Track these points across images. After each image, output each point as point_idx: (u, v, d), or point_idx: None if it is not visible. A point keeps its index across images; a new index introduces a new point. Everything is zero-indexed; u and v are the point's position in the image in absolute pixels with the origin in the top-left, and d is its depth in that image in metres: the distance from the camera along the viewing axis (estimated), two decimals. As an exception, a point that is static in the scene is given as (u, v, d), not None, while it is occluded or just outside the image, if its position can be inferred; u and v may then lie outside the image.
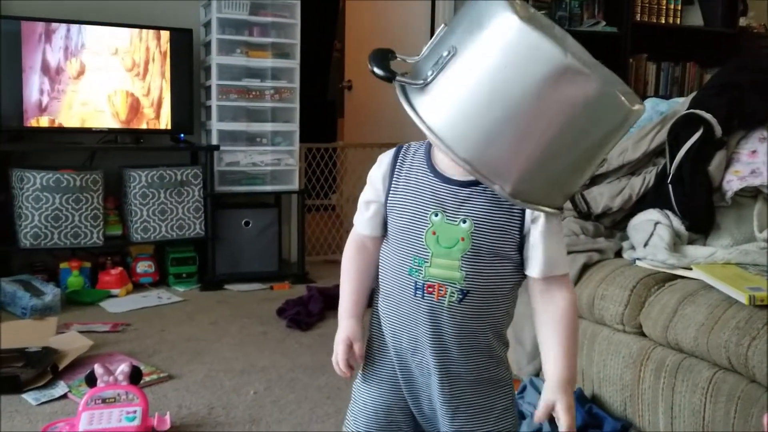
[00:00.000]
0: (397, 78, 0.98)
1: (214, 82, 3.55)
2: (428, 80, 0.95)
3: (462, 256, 1.05)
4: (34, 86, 3.27)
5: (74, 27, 3.33)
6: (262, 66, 3.65)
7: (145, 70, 3.50)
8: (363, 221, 1.15)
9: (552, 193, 1.01)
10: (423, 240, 1.07)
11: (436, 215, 1.06)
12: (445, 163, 1.07)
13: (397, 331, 1.13)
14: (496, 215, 1.05)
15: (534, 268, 1.07)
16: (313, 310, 3.02)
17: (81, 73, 3.36)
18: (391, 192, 1.12)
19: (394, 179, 1.12)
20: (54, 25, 3.29)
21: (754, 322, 1.47)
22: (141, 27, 3.48)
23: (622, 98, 0.93)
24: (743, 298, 1.50)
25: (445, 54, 0.94)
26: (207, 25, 3.63)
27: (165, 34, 3.52)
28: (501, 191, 0.96)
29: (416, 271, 1.08)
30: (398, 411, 1.19)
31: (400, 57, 1.04)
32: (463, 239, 1.05)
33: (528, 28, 0.89)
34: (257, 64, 3.64)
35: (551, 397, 1.07)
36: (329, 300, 3.15)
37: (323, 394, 2.20)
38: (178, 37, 3.55)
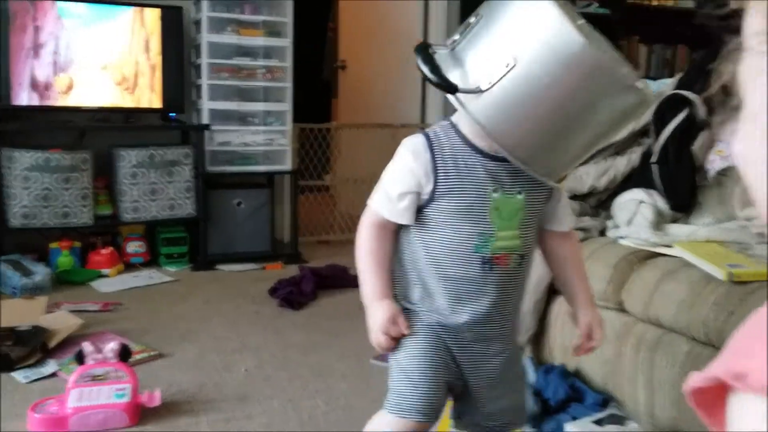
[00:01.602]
0: (459, 91, 1.05)
1: (204, 60, 3.54)
2: (486, 89, 1.03)
3: (519, 225, 1.18)
4: (23, 64, 3.26)
5: (62, 3, 3.32)
6: (253, 44, 3.64)
7: (136, 48, 3.49)
8: (398, 211, 1.18)
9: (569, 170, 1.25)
10: (488, 217, 1.15)
11: (496, 192, 1.15)
12: (488, 143, 1.13)
13: (459, 309, 1.20)
14: (536, 184, 1.17)
15: (565, 223, 1.27)
16: (306, 290, 3.04)
17: (69, 51, 3.35)
18: (440, 180, 1.16)
19: (440, 167, 1.16)
20: (42, 2, 3.27)
21: (731, 298, 1.50)
22: (131, 4, 3.46)
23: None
24: (722, 275, 1.52)
25: (505, 65, 1.02)
26: (197, 2, 3.61)
27: (155, 12, 3.50)
28: (547, 181, 1.14)
29: (483, 247, 1.16)
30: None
31: (434, 48, 1.10)
32: (520, 209, 1.17)
33: (592, 50, 1.01)
34: (249, 42, 3.62)
35: (589, 315, 1.26)
36: (322, 280, 3.17)
37: (314, 371, 2.22)
38: (168, 15, 3.53)
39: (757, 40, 0.45)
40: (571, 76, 1.01)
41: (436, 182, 1.15)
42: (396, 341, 1.21)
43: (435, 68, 1.05)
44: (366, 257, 1.21)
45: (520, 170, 1.12)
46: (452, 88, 1.05)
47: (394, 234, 1.22)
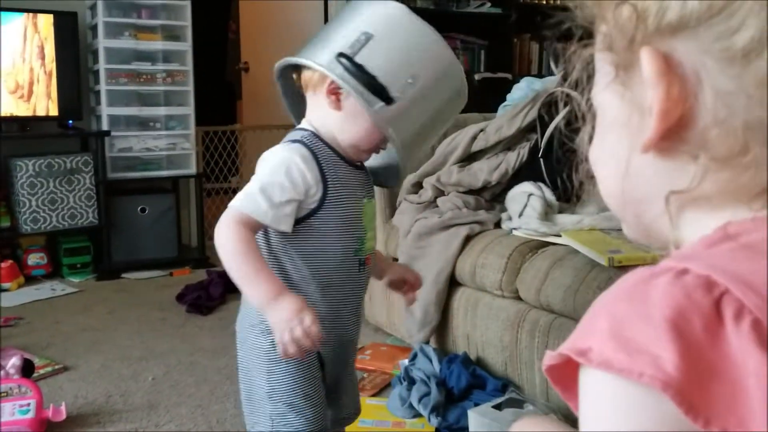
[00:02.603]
0: (375, 109, 1.14)
1: (102, 66, 3.47)
2: (397, 100, 1.14)
3: (374, 226, 1.28)
4: None
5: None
6: (152, 49, 3.59)
7: (29, 55, 3.39)
8: (279, 218, 1.14)
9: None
10: (361, 222, 1.23)
11: (365, 198, 1.24)
12: (350, 151, 1.22)
13: (340, 309, 1.25)
14: (373, 189, 1.31)
15: None
16: (214, 294, 3.03)
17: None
18: (329, 188, 1.18)
19: (327, 176, 1.18)
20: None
21: (613, 282, 1.60)
22: (23, 11, 3.36)
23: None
24: (604, 261, 1.63)
25: (409, 81, 1.15)
26: (93, 8, 3.54)
27: (48, 18, 3.41)
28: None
29: (359, 250, 1.23)
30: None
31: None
32: (374, 212, 1.29)
33: (456, 59, 1.23)
34: (147, 46, 3.57)
35: (397, 268, 1.45)
36: (230, 283, 3.13)
37: (223, 375, 2.23)
38: (62, 21, 3.44)
39: (603, 43, 0.49)
40: (449, 83, 1.20)
41: (325, 191, 1.17)
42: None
43: (372, 77, 1.13)
44: (246, 260, 1.14)
45: (368, 176, 1.27)
46: (387, 97, 1.13)
47: None
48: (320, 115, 1.21)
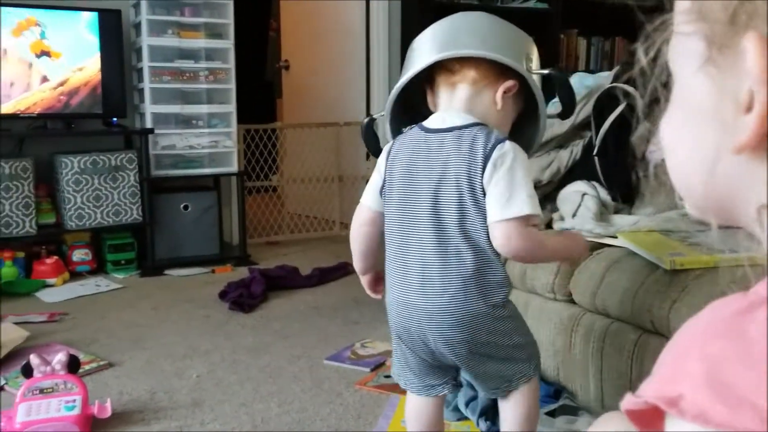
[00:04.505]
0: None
1: (145, 64, 3.49)
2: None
3: None
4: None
5: (-4, 10, 3.23)
6: (195, 47, 3.60)
7: (75, 52, 3.41)
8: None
9: None
10: None
11: None
12: None
13: None
14: None
15: None
16: (256, 292, 3.02)
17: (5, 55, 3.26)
18: None
19: None
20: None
21: (674, 286, 1.54)
22: (69, 9, 3.39)
23: None
24: (665, 264, 1.57)
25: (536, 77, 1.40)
26: (137, 5, 3.56)
27: (93, 15, 3.44)
28: None
29: None
30: None
31: None
32: None
33: None
34: (190, 44, 3.58)
35: None
36: (272, 281, 3.15)
37: (265, 373, 2.21)
38: (106, 19, 3.47)
39: (683, 19, 0.44)
40: None
41: None
42: None
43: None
44: (553, 242, 1.45)
45: None
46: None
47: None
48: (481, 110, 1.32)
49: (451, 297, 1.27)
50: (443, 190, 1.27)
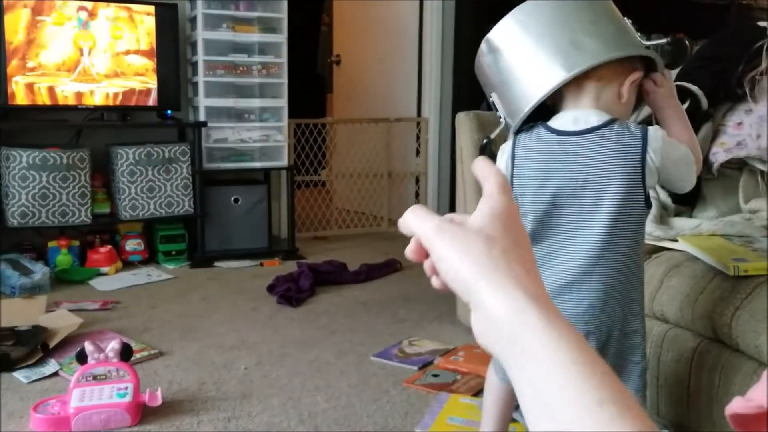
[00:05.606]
0: None
1: (200, 57, 3.52)
2: None
3: None
4: (18, 62, 3.23)
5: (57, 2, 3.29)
6: (248, 41, 3.63)
7: (132, 46, 3.46)
8: None
9: None
10: None
11: None
12: None
13: None
14: None
15: None
16: (303, 286, 3.02)
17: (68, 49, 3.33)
18: None
19: None
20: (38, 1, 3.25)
21: (737, 293, 1.49)
22: (126, 2, 3.44)
23: None
24: (728, 269, 1.51)
25: None
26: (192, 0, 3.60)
27: (150, 9, 3.48)
28: None
29: None
30: None
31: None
32: None
33: None
34: (244, 38, 3.61)
35: None
36: (319, 276, 3.16)
37: (313, 368, 2.21)
38: (162, 12, 3.51)
39: None
40: None
41: None
42: None
43: None
44: None
45: None
46: None
47: None
48: (605, 103, 1.30)
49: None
50: (587, 194, 1.28)
